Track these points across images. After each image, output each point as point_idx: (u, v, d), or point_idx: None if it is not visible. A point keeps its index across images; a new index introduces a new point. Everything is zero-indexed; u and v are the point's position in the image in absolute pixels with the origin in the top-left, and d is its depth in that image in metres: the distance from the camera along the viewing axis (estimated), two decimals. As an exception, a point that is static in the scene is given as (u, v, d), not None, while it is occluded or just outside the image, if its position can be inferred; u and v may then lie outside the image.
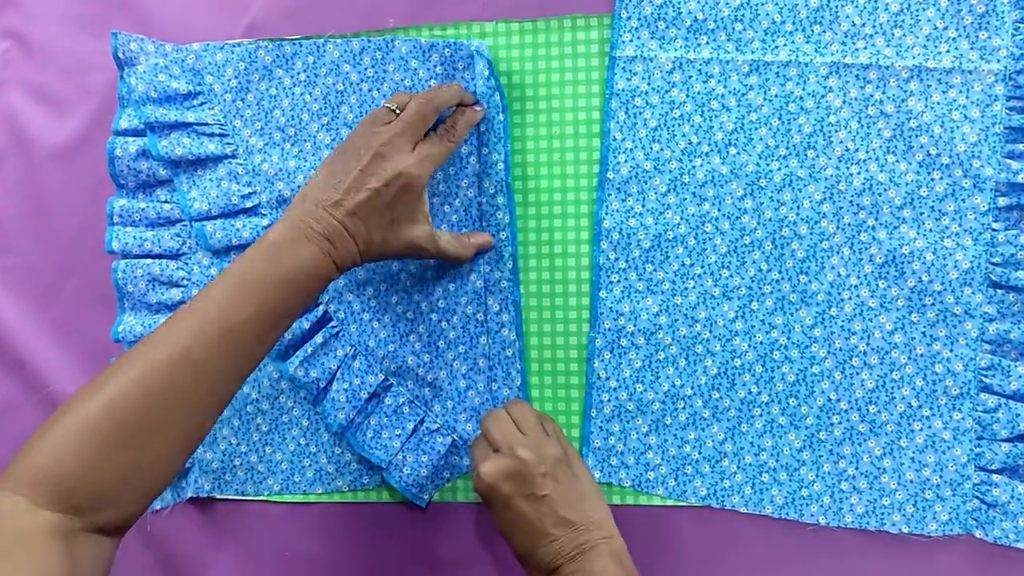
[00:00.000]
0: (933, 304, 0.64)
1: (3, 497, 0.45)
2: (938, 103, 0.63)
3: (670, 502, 0.68)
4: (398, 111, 0.61)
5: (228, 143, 0.71)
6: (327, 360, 0.69)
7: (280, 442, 0.72)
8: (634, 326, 0.68)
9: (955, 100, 0.63)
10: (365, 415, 0.69)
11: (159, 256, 0.73)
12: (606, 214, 0.68)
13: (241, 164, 0.71)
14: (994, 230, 0.63)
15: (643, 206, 0.67)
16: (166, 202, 0.73)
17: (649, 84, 0.67)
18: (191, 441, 0.52)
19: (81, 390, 0.49)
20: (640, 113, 0.67)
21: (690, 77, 0.67)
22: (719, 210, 0.66)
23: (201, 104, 0.72)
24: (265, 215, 0.71)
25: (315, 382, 0.69)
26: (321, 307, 0.70)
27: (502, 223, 0.68)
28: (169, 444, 0.50)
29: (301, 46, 0.71)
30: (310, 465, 0.72)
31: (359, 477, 0.71)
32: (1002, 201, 0.62)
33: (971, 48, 0.63)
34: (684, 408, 0.67)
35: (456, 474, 0.70)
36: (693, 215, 0.67)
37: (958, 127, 0.63)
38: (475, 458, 0.61)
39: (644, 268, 0.67)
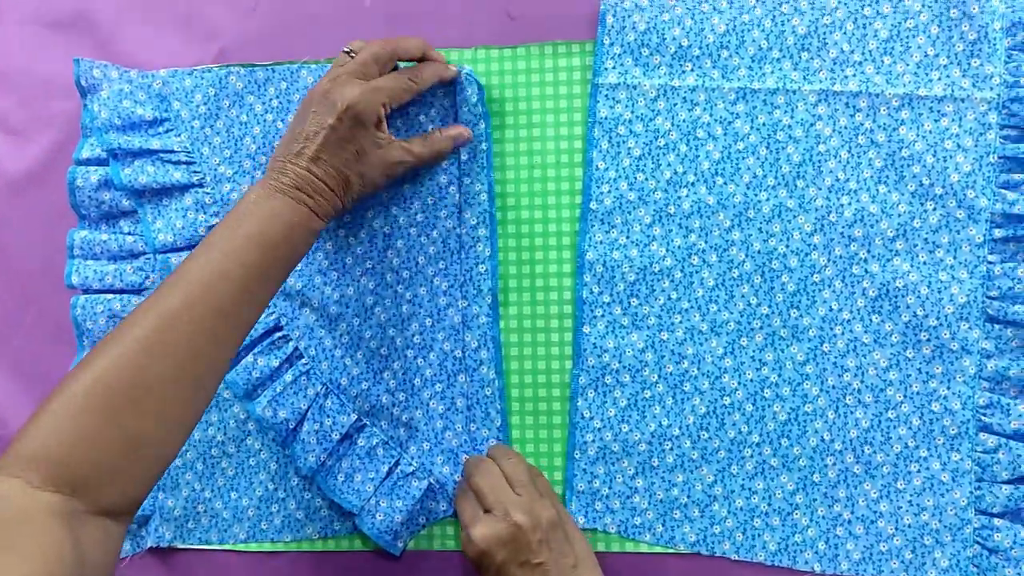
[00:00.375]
0: (929, 340, 0.61)
1: (0, 481, 0.44)
2: (930, 132, 0.61)
3: (658, 549, 0.64)
4: (353, 54, 0.61)
5: (195, 171, 0.69)
6: (297, 399, 0.65)
7: (247, 487, 0.68)
8: (619, 363, 0.65)
9: (947, 129, 0.61)
10: (337, 457, 0.66)
11: (120, 291, 0.69)
12: (589, 246, 0.65)
13: (209, 193, 0.69)
14: (990, 263, 0.61)
15: (627, 238, 0.65)
16: (129, 234, 0.70)
17: (633, 112, 0.65)
18: (186, 415, 0.50)
19: (71, 370, 0.48)
20: (624, 142, 0.65)
21: (675, 105, 0.64)
22: (706, 242, 0.64)
23: (167, 131, 0.69)
24: (235, 247, 0.68)
25: (284, 423, 0.65)
26: (291, 344, 0.67)
27: (482, 256, 0.65)
28: (162, 418, 0.48)
29: (274, 72, 0.69)
30: (278, 511, 0.68)
31: (330, 523, 0.67)
32: (998, 233, 0.60)
33: (963, 76, 0.61)
34: (672, 449, 0.64)
35: (433, 520, 0.66)
36: (679, 247, 0.64)
37: (951, 156, 0.61)
38: (464, 518, 0.59)
39: (629, 302, 0.65)
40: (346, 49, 0.61)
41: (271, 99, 0.69)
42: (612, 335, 0.65)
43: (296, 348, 0.67)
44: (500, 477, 0.59)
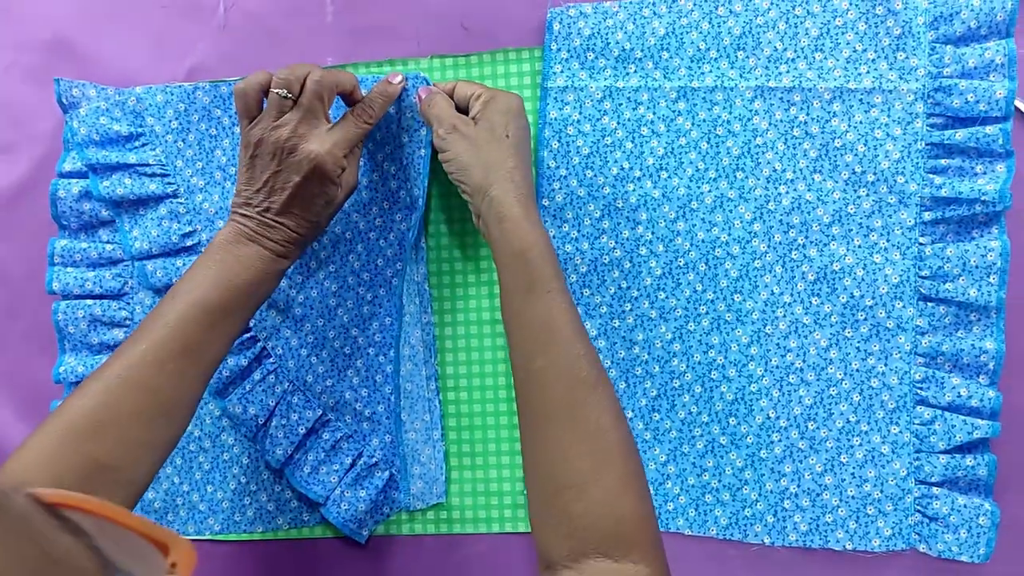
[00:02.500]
0: (866, 319, 0.64)
1: None
2: (861, 122, 0.65)
3: (616, 527, 0.67)
4: (290, 96, 0.59)
5: (169, 183, 0.72)
6: (265, 396, 0.69)
7: (221, 480, 0.71)
8: (574, 351, 0.68)
9: (877, 119, 0.64)
10: (304, 451, 0.69)
11: (100, 296, 0.73)
12: None
13: (182, 203, 0.72)
14: (921, 244, 0.64)
15: (579, 232, 0.68)
16: (108, 242, 0.73)
17: (581, 113, 0.68)
18: (154, 442, 0.54)
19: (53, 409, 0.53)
20: (573, 141, 0.68)
21: (620, 105, 0.68)
22: (653, 233, 0.67)
23: (142, 145, 0.72)
24: (207, 253, 0.71)
25: (254, 419, 0.68)
26: (259, 344, 0.70)
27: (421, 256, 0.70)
28: (127, 445, 0.52)
29: None
30: (251, 503, 0.71)
31: (299, 514, 0.70)
32: (927, 216, 0.63)
33: (890, 68, 0.64)
34: (626, 431, 0.67)
35: (395, 509, 0.69)
36: (628, 239, 0.67)
37: (881, 145, 0.64)
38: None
39: (582, 292, 0.68)
40: (281, 93, 0.58)
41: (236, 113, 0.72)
42: (567, 324, 0.68)
43: (264, 348, 0.70)
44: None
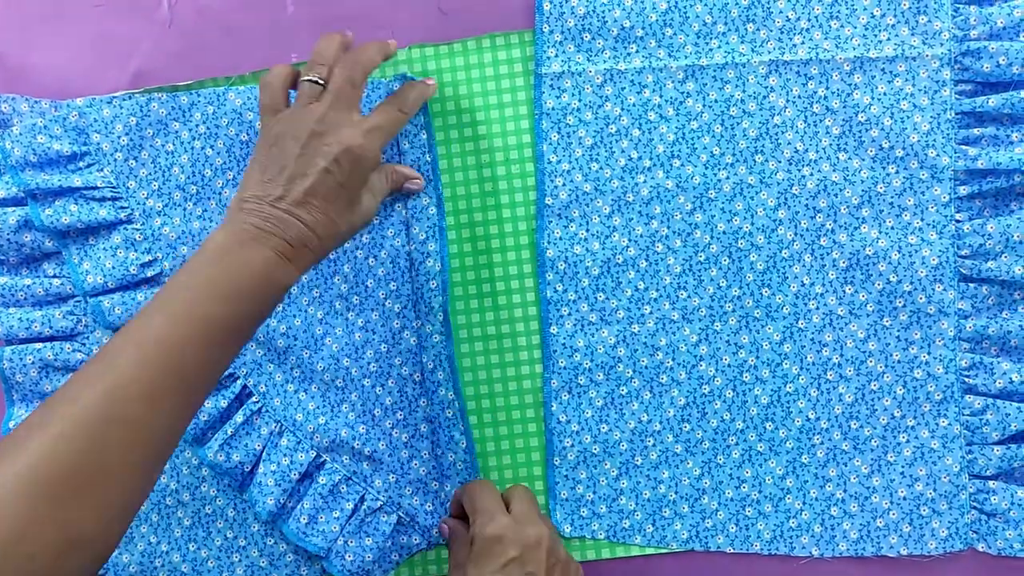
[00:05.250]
0: (904, 306, 0.60)
1: None
2: (885, 94, 0.60)
3: (650, 550, 0.62)
4: (321, 82, 0.53)
5: (122, 207, 0.64)
6: (250, 440, 0.61)
7: (204, 537, 0.64)
8: (591, 362, 0.62)
9: (902, 89, 0.60)
10: (298, 499, 0.61)
11: (51, 339, 0.64)
12: (548, 243, 0.62)
13: (138, 229, 0.64)
14: (958, 221, 0.59)
15: (587, 231, 0.62)
16: (55, 277, 0.65)
17: (580, 100, 0.62)
18: (133, 503, 0.43)
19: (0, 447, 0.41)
20: (574, 132, 0.62)
21: (623, 89, 0.62)
22: (669, 227, 0.61)
23: (88, 166, 0.64)
24: (170, 282, 0.63)
25: (239, 466, 0.61)
26: (239, 381, 0.62)
27: (432, 271, 0.62)
28: (107, 510, 0.41)
29: (199, 96, 0.64)
30: (240, 561, 0.63)
31: (296, 569, 0.63)
32: (963, 190, 0.59)
33: (912, 34, 0.60)
34: (654, 445, 0.61)
35: (406, 555, 0.63)
36: (642, 235, 0.61)
37: (908, 117, 0.60)
38: (479, 502, 0.56)
39: (596, 297, 0.62)
40: (311, 78, 0.53)
41: (197, 125, 0.64)
42: (581, 333, 0.62)
43: (245, 386, 0.63)
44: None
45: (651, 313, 0.61)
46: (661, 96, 0.62)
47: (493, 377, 0.63)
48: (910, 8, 0.60)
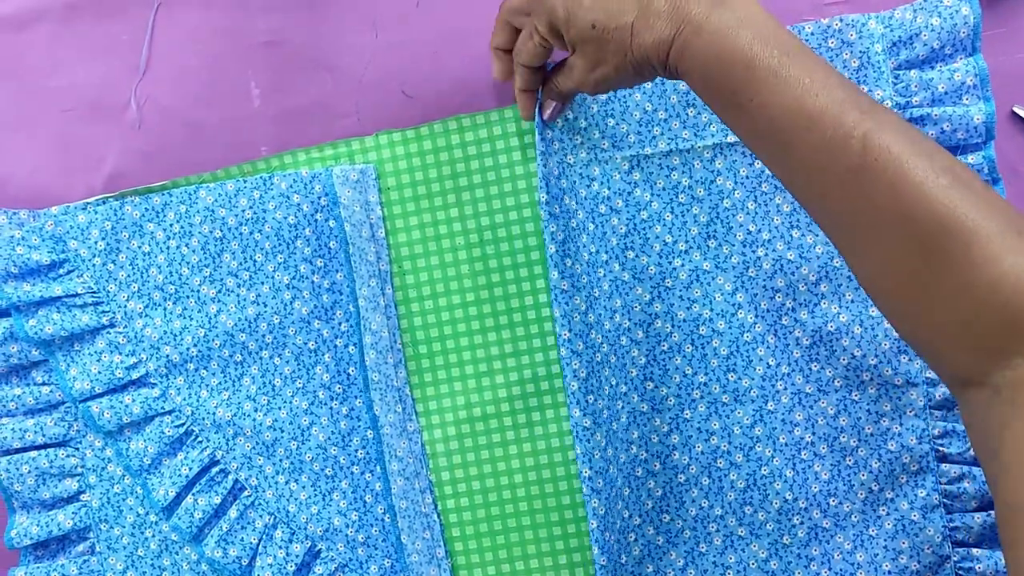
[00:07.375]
0: (872, 379, 0.59)
1: None
2: (832, 167, 0.59)
3: (642, 641, 0.62)
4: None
5: (104, 311, 0.65)
6: (246, 534, 0.62)
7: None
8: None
9: (849, 161, 0.59)
10: (297, 590, 0.63)
11: (44, 446, 0.66)
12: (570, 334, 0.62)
13: (121, 332, 0.65)
14: (918, 290, 0.59)
15: (570, 331, 0.61)
16: (44, 384, 0.66)
17: (548, 194, 0.62)
18: None
19: None
20: (545, 227, 0.62)
21: (575, 183, 0.62)
22: (630, 320, 0.61)
23: (68, 273, 0.65)
24: (155, 384, 0.64)
25: (236, 561, 0.62)
26: (230, 477, 0.63)
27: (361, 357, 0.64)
28: None
29: (171, 196, 0.65)
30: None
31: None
32: (919, 258, 0.59)
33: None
34: (636, 541, 0.61)
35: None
36: (609, 331, 0.61)
37: (858, 189, 0.59)
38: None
39: (586, 400, 0.62)
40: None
41: (171, 224, 0.65)
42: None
43: (236, 481, 0.64)
44: None
45: (623, 408, 0.61)
46: (609, 188, 0.62)
47: (481, 459, 0.64)
48: (850, 78, 0.59)
